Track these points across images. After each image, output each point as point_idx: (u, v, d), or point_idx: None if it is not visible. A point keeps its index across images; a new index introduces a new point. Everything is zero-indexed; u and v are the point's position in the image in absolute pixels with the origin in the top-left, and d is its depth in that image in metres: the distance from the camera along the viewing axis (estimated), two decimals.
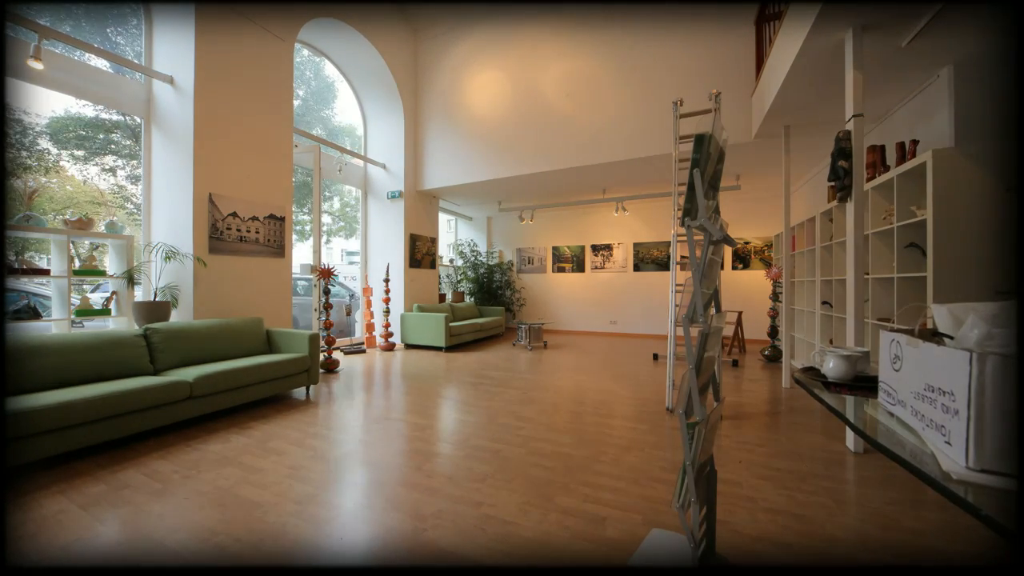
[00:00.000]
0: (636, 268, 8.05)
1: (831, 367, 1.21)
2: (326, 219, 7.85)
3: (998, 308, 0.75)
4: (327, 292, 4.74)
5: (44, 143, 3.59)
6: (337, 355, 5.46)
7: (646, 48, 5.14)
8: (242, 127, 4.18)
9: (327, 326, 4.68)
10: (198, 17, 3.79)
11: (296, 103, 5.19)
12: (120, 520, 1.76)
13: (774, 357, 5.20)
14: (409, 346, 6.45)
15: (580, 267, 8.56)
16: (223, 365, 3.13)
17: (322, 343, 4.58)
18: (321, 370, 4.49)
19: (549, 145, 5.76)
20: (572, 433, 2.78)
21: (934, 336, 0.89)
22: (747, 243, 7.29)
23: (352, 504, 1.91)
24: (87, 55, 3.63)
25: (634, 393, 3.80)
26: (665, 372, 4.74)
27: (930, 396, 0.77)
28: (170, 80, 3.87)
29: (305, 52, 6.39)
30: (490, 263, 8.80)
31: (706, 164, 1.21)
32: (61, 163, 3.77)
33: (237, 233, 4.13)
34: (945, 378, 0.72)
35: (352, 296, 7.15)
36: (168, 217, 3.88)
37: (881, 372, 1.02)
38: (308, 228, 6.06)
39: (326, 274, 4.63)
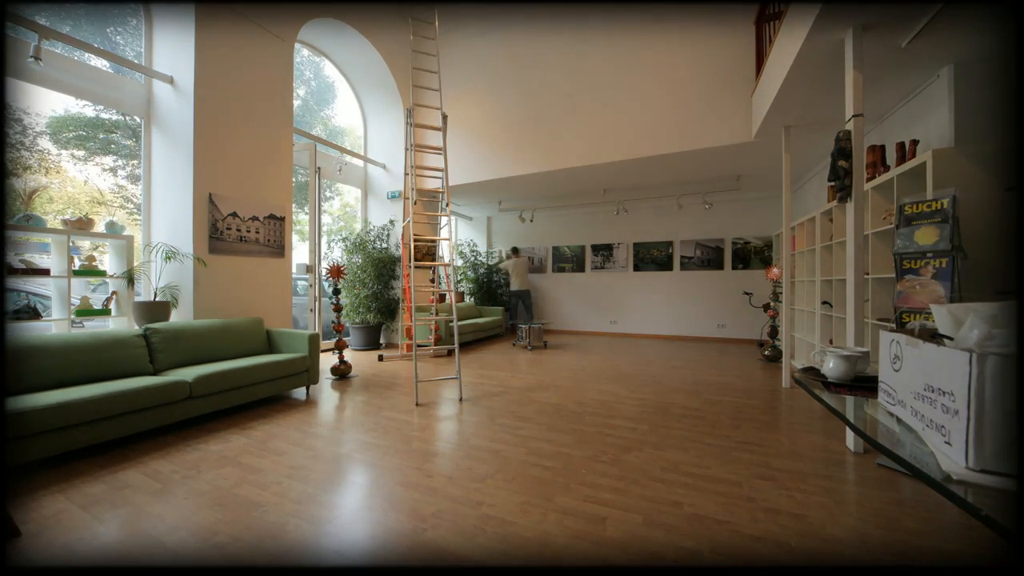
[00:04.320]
0: (636, 268, 8.05)
1: (831, 367, 1.21)
2: (326, 219, 7.85)
3: (998, 308, 0.75)
4: (337, 292, 4.53)
5: (44, 143, 3.59)
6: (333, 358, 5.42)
7: (646, 48, 5.14)
8: (242, 127, 4.18)
9: (338, 330, 4.47)
10: (198, 17, 3.79)
11: (296, 103, 5.18)
12: (120, 520, 1.76)
13: (774, 357, 5.20)
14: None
15: (580, 267, 8.56)
16: (223, 365, 3.13)
17: (331, 346, 4.46)
18: (335, 376, 4.34)
19: (549, 145, 5.76)
20: (572, 433, 2.78)
21: (934, 337, 0.89)
22: (747, 243, 7.30)
23: (352, 504, 1.91)
24: (87, 55, 3.63)
25: (634, 393, 3.80)
26: (665, 373, 4.75)
27: (930, 396, 0.77)
28: (170, 80, 3.87)
29: (305, 52, 6.39)
30: (489, 263, 8.80)
31: None
32: (61, 163, 3.77)
33: (237, 233, 4.13)
34: (945, 378, 0.72)
35: None
36: (168, 217, 3.88)
37: (881, 372, 1.02)
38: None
39: (336, 273, 4.43)
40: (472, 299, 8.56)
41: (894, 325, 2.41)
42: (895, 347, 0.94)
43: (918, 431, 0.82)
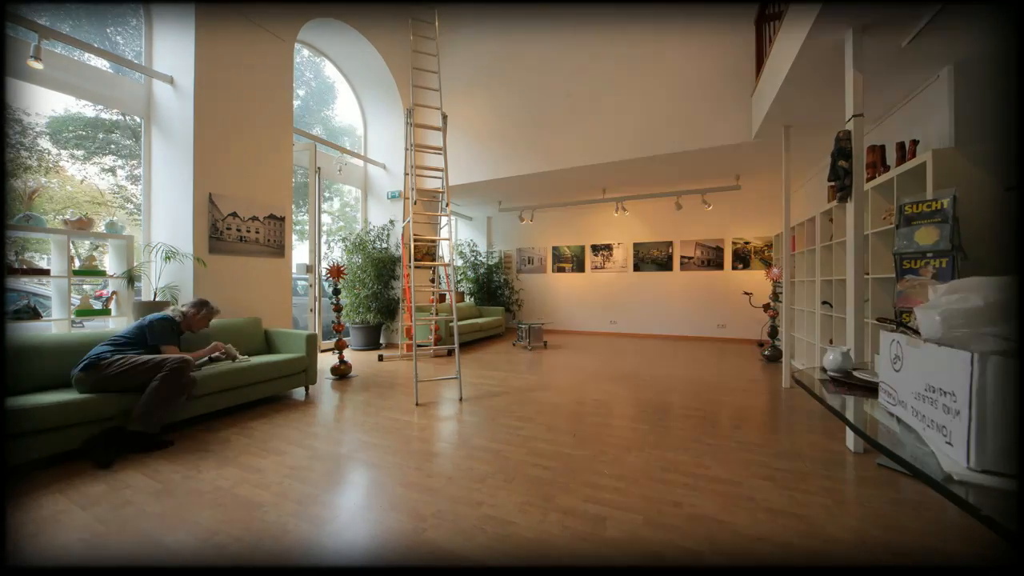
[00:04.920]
0: (636, 268, 8.05)
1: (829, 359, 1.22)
2: (326, 219, 7.85)
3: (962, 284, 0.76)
4: (337, 292, 4.52)
5: (44, 143, 3.59)
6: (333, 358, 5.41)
7: (645, 48, 5.14)
8: (242, 127, 4.18)
9: (338, 330, 4.46)
10: (198, 17, 3.79)
11: (296, 103, 5.18)
12: (120, 520, 1.76)
13: (774, 357, 5.20)
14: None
15: (580, 267, 8.56)
16: (219, 366, 3.12)
17: (332, 346, 4.46)
18: (335, 376, 4.34)
19: (549, 145, 5.76)
20: (572, 433, 2.78)
21: None
22: (747, 243, 7.30)
23: (352, 504, 1.91)
24: (87, 55, 3.63)
25: (634, 393, 3.80)
26: (665, 373, 4.75)
27: (931, 396, 0.77)
28: (170, 80, 3.87)
29: (305, 52, 6.39)
30: (490, 263, 8.79)
31: None
32: (61, 163, 3.76)
33: (237, 233, 4.13)
34: (946, 379, 0.72)
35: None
36: (168, 217, 3.88)
37: (881, 373, 1.02)
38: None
39: (336, 273, 4.42)
40: (472, 299, 8.56)
41: (895, 325, 2.41)
42: (895, 347, 0.94)
43: (919, 431, 0.82)
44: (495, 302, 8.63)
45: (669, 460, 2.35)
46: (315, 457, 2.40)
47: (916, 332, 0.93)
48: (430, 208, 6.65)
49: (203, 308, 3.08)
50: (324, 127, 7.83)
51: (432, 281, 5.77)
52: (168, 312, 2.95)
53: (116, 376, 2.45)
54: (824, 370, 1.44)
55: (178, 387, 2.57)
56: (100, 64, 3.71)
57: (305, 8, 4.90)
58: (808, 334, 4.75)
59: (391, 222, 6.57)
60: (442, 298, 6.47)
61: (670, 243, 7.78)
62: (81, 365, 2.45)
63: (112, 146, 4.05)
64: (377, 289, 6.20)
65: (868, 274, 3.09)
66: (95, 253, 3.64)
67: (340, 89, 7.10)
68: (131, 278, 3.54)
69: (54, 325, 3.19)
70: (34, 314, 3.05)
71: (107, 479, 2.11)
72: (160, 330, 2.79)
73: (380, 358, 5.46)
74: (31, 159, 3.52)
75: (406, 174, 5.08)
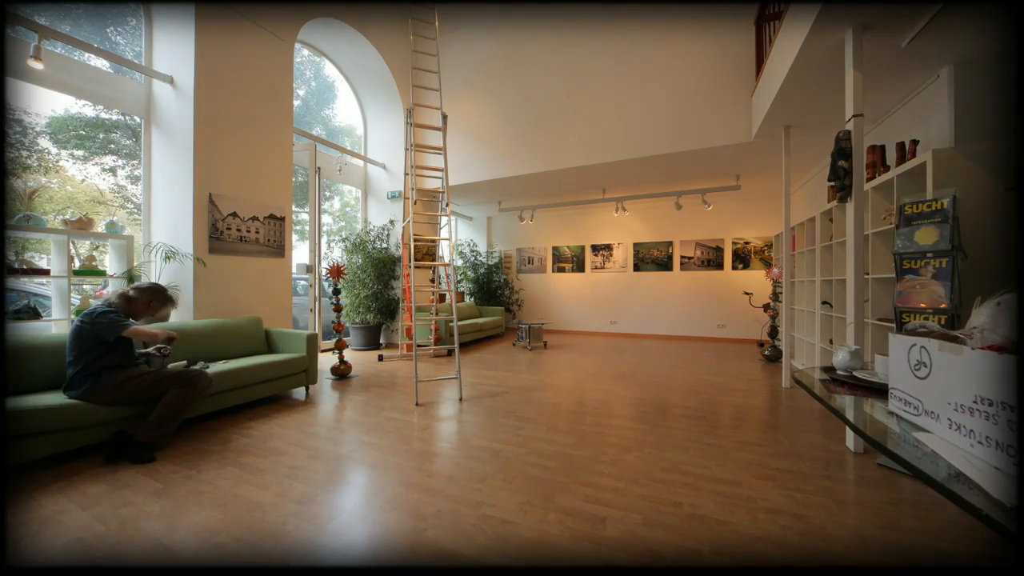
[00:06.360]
0: (636, 268, 8.05)
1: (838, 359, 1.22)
2: (326, 219, 7.85)
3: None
4: (337, 292, 4.53)
5: (44, 143, 3.59)
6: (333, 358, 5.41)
7: (646, 48, 5.14)
8: (242, 127, 4.17)
9: (338, 330, 4.47)
10: (198, 17, 3.79)
11: (296, 103, 5.18)
12: (120, 520, 1.76)
13: (774, 357, 5.20)
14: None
15: (580, 267, 8.56)
16: (220, 365, 3.13)
17: (332, 346, 4.47)
18: (335, 376, 4.35)
19: (549, 145, 5.76)
20: (572, 433, 2.78)
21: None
22: (747, 243, 7.30)
23: (352, 504, 1.91)
24: (87, 55, 3.63)
25: (634, 393, 3.80)
26: (665, 373, 4.75)
27: (984, 410, 0.70)
28: (170, 80, 3.87)
29: (305, 52, 6.39)
30: (490, 263, 8.79)
31: None
32: (61, 163, 3.76)
33: (237, 233, 4.13)
34: (1010, 390, 0.64)
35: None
36: (168, 217, 3.87)
37: (893, 378, 0.99)
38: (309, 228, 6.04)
39: (336, 273, 4.43)
40: (472, 299, 8.56)
41: (894, 326, 2.41)
42: (919, 352, 0.89)
43: (963, 447, 0.76)
44: (495, 302, 8.62)
45: (669, 460, 2.35)
46: (315, 457, 2.40)
47: (954, 337, 0.89)
48: (430, 208, 6.65)
49: (153, 297, 2.59)
50: (324, 127, 7.83)
51: (432, 281, 5.77)
52: (104, 304, 2.52)
53: (130, 393, 2.43)
54: (824, 369, 1.45)
55: (192, 398, 2.58)
56: (100, 64, 3.70)
57: (305, 8, 4.90)
58: (808, 334, 4.75)
59: (391, 222, 6.57)
60: (442, 298, 6.46)
61: (670, 243, 7.78)
62: (79, 392, 2.31)
63: (112, 146, 4.05)
64: (377, 289, 6.20)
65: (868, 274, 3.09)
66: (95, 253, 3.64)
67: (340, 89, 7.09)
68: (131, 278, 3.54)
69: (54, 325, 3.19)
70: (34, 314, 3.04)
71: (107, 479, 2.11)
72: (110, 323, 2.41)
73: (380, 358, 5.46)
74: (31, 159, 3.52)
75: (406, 174, 5.09)
